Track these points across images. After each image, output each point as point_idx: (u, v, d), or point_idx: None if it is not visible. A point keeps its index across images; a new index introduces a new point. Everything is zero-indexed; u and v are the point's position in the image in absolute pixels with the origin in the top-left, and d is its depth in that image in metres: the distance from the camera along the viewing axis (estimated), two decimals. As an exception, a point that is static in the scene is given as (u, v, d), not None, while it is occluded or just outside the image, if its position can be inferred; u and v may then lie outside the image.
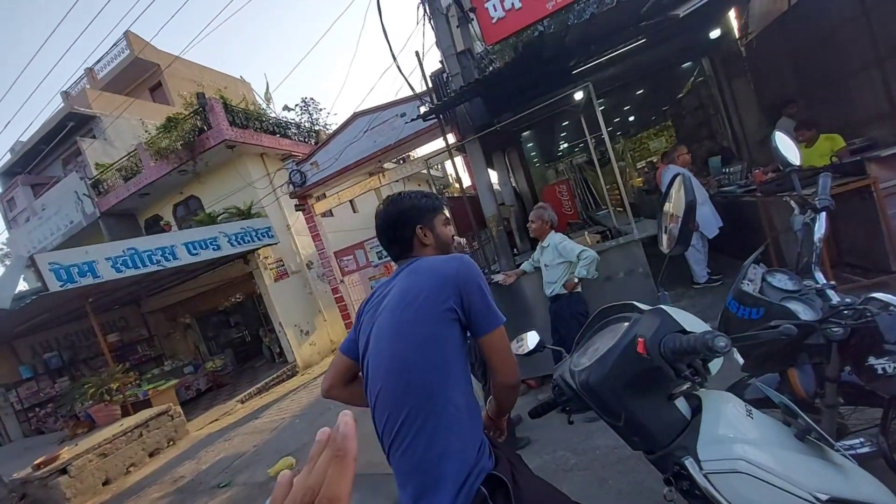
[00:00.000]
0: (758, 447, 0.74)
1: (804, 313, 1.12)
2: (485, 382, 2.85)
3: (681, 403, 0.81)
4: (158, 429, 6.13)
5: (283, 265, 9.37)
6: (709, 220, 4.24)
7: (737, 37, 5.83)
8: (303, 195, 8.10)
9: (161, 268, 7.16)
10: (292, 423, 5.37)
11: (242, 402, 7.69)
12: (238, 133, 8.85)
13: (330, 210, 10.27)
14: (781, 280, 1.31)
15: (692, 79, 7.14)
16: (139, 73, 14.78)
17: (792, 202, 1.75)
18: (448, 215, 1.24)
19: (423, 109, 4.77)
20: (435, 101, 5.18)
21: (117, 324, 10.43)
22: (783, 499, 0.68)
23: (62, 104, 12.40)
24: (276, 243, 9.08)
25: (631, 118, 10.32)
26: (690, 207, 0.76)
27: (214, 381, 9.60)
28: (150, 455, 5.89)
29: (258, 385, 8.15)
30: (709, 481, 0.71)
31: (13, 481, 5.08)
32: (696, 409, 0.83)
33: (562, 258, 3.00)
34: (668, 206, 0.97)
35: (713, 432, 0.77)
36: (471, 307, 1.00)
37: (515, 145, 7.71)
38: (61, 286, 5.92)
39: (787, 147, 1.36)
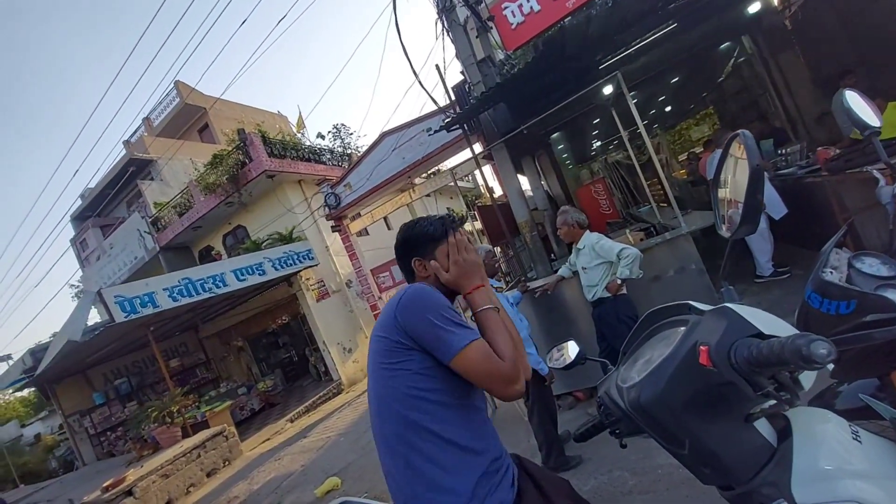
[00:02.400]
0: (873, 482, 0.56)
1: (906, 303, 0.91)
2: (527, 398, 2.68)
3: (762, 426, 0.65)
4: (215, 449, 6.38)
5: (323, 285, 9.64)
6: (774, 201, 3.77)
7: (779, 9, 5.37)
8: (338, 216, 8.32)
9: (213, 294, 7.58)
10: (337, 442, 5.39)
11: (292, 420, 7.86)
12: (276, 163, 9.31)
13: (365, 229, 10.49)
14: (873, 265, 1.08)
15: (733, 60, 6.65)
16: (188, 117, 16.10)
17: (875, 172, 1.50)
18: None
19: (447, 121, 4.74)
20: (458, 111, 5.16)
21: (178, 349, 11.15)
22: None
23: (124, 152, 13.71)
24: (316, 265, 9.37)
25: (668, 108, 9.77)
26: (757, 173, 0.60)
27: (266, 400, 9.94)
28: (208, 475, 6.12)
29: (306, 403, 8.32)
30: None
31: (85, 504, 5.45)
32: (784, 433, 0.66)
33: (600, 259, 2.79)
34: (723, 192, 0.81)
35: (811, 465, 0.60)
36: (419, 337, 0.93)
37: (545, 148, 7.52)
38: (125, 317, 6.40)
39: (861, 107, 1.13)
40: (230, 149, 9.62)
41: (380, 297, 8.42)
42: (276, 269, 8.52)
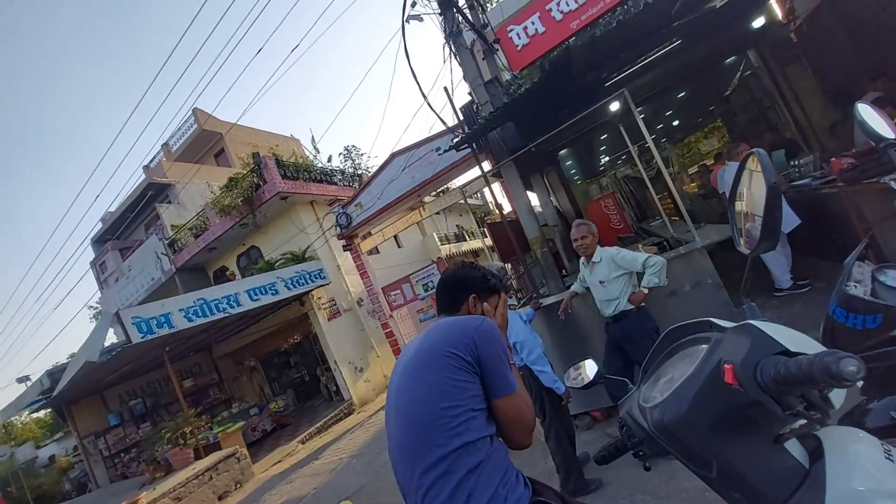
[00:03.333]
0: None
1: (934, 316, 0.89)
2: (543, 418, 2.62)
3: (793, 447, 0.63)
4: (227, 471, 6.33)
5: (335, 304, 9.68)
6: (785, 213, 3.72)
7: (784, 22, 5.42)
8: (349, 235, 8.43)
9: (227, 314, 7.67)
10: (349, 464, 5.30)
11: (303, 442, 7.78)
12: (290, 185, 9.54)
13: (376, 247, 10.58)
14: (898, 278, 1.07)
15: (739, 73, 6.68)
16: (205, 143, 16.67)
17: (893, 184, 1.48)
18: (507, 301, 1.30)
19: (455, 141, 4.83)
20: (467, 131, 5.25)
21: (192, 370, 11.22)
22: None
23: (143, 176, 14.19)
24: (327, 284, 9.45)
25: (675, 122, 9.80)
26: (775, 190, 0.60)
27: (278, 421, 9.87)
28: (220, 498, 6.05)
29: (317, 425, 8.24)
30: None
31: (99, 527, 5.42)
32: (816, 454, 0.64)
33: (620, 270, 2.75)
34: (740, 205, 0.81)
35: (845, 487, 0.57)
36: (484, 361, 1.00)
37: (553, 165, 7.56)
38: (142, 337, 6.49)
39: (874, 119, 1.14)
40: (245, 172, 9.90)
41: (390, 316, 8.40)
42: (288, 288, 8.61)
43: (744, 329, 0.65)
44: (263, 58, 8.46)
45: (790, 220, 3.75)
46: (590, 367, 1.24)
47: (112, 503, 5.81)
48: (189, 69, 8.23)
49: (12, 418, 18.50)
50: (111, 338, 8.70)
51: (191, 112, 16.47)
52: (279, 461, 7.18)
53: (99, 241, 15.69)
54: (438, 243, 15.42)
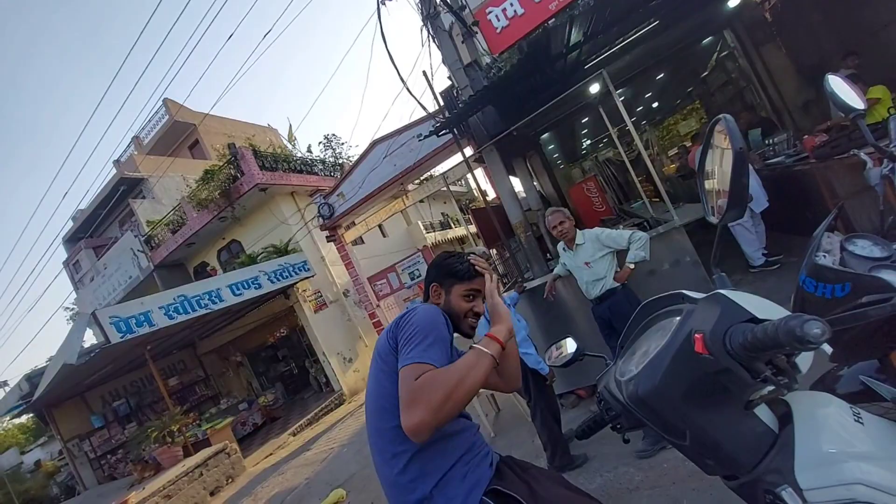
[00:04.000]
0: (877, 463, 0.55)
1: (900, 283, 0.90)
2: (528, 398, 2.66)
3: (763, 412, 0.64)
4: (217, 467, 6.28)
5: (321, 296, 9.58)
6: (757, 193, 3.82)
7: (758, 2, 5.46)
8: (332, 226, 8.30)
9: (209, 310, 7.51)
10: (341, 453, 5.33)
11: (294, 434, 7.77)
12: (268, 176, 9.29)
13: (360, 237, 10.46)
14: (865, 247, 1.09)
15: (716, 54, 6.75)
16: (178, 134, 16.07)
17: (862, 155, 1.51)
18: (477, 289, 1.20)
19: (436, 126, 4.76)
20: (447, 116, 5.18)
21: (176, 367, 11.02)
22: None
23: (114, 171, 13.63)
24: (312, 276, 9.32)
25: (655, 104, 9.88)
26: (741, 156, 0.60)
27: (267, 415, 9.82)
28: (211, 494, 6.02)
29: (308, 416, 8.23)
30: None
31: (87, 530, 5.34)
32: (786, 419, 0.65)
33: (605, 249, 2.78)
34: (711, 184, 0.81)
35: (814, 449, 0.59)
36: (398, 341, 1.04)
37: (536, 149, 7.56)
38: (122, 337, 6.31)
39: (844, 91, 1.15)
40: (221, 164, 9.60)
41: (377, 306, 8.37)
42: (272, 282, 8.47)
43: (713, 299, 0.65)
44: (235, 44, 8.12)
45: (761, 200, 3.85)
46: (569, 345, 1.25)
47: (100, 505, 5.70)
48: (157, 57, 7.86)
49: (-9, 425, 17.96)
50: (90, 338, 8.45)
51: (161, 102, 15.81)
52: (270, 454, 7.16)
53: (71, 240, 15.09)
54: (424, 231, 15.35)
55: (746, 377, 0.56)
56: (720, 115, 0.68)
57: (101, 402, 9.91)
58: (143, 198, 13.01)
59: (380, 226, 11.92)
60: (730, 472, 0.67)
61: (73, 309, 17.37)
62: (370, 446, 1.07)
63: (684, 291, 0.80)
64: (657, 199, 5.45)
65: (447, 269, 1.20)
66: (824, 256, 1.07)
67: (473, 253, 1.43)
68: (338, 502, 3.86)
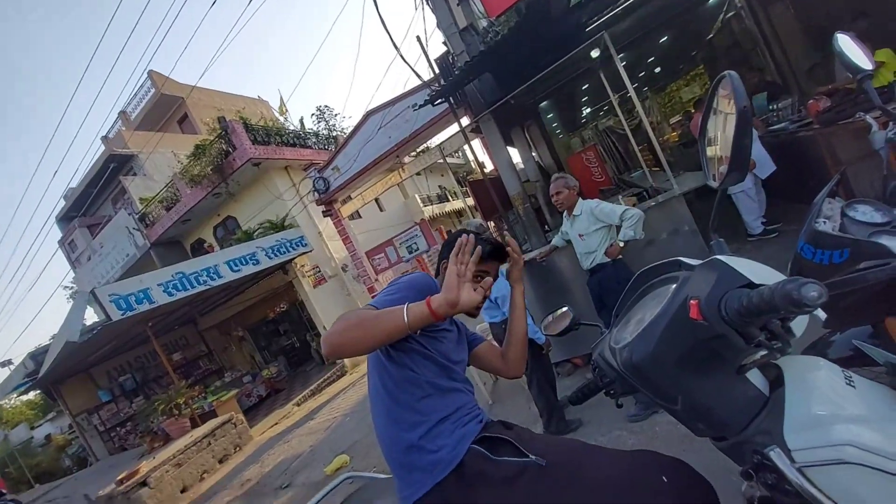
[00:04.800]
0: (867, 425, 0.56)
1: (900, 248, 0.89)
2: (525, 368, 2.70)
3: (754, 376, 0.64)
4: (224, 437, 6.50)
5: (319, 271, 9.61)
6: (763, 159, 3.74)
7: (770, -44, 5.18)
8: (328, 200, 8.21)
9: (208, 287, 7.54)
10: (344, 422, 5.50)
11: (298, 404, 8.00)
12: (261, 150, 9.10)
13: (357, 212, 10.39)
14: (866, 212, 1.07)
15: (722, 15, 6.46)
16: (166, 109, 15.59)
17: (868, 118, 1.47)
18: (486, 270, 1.20)
19: (431, 94, 4.60)
20: (443, 84, 5.01)
21: (179, 343, 11.19)
22: None
23: (103, 148, 13.31)
24: (310, 251, 9.31)
25: (657, 69, 9.56)
26: (744, 115, 0.57)
27: (271, 387, 10.08)
28: (220, 461, 6.26)
29: (311, 387, 8.44)
30: (805, 476, 0.54)
31: (99, 498, 5.56)
32: (777, 382, 0.65)
33: (599, 223, 2.75)
34: (710, 133, 0.78)
35: (804, 411, 0.59)
36: None
37: (534, 118, 7.38)
38: (122, 314, 6.37)
39: (852, 50, 1.09)
40: (212, 138, 9.37)
41: (376, 280, 8.42)
42: (269, 257, 8.46)
43: (710, 264, 0.64)
44: (219, 11, 7.73)
45: (767, 165, 3.77)
46: (566, 315, 1.25)
47: (113, 474, 5.92)
48: (141, 25, 7.50)
49: (0, 402, 18.39)
50: (91, 317, 8.51)
51: (146, 75, 15.24)
52: (276, 423, 7.40)
53: (65, 220, 14.93)
54: (421, 205, 15.24)
55: (740, 342, 0.55)
56: (725, 73, 0.64)
57: (107, 378, 10.13)
58: (135, 175, 12.77)
59: (376, 200, 11.82)
60: (720, 434, 0.68)
61: (72, 288, 17.42)
62: (370, 405, 1.10)
63: (681, 258, 0.78)
64: (657, 168, 5.37)
65: (445, 247, 1.23)
66: (824, 222, 1.05)
67: (467, 229, 1.40)
68: (341, 468, 4.02)
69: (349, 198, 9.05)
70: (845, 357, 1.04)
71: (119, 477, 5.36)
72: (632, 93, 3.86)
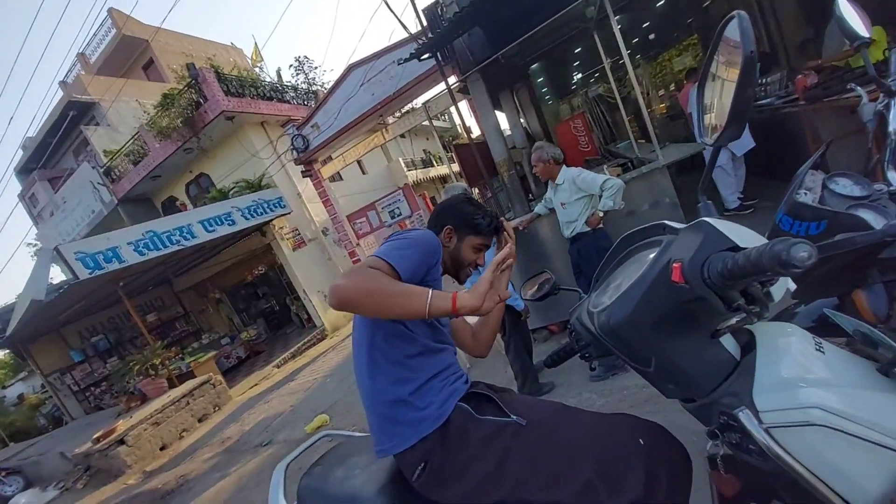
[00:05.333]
0: (834, 390, 0.57)
1: (876, 222, 0.90)
2: (503, 332, 2.76)
3: (727, 341, 0.64)
4: (203, 397, 6.53)
5: (298, 234, 9.40)
6: (744, 135, 3.77)
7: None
8: (308, 160, 7.89)
9: (181, 247, 7.30)
10: (324, 383, 5.59)
11: (278, 366, 8.06)
12: (235, 102, 8.57)
13: (338, 173, 10.07)
14: (846, 185, 1.07)
15: (721, -21, 6.25)
16: (129, 52, 14.36)
17: (859, 89, 1.45)
18: (487, 244, 1.22)
19: (417, 48, 4.35)
20: (430, 37, 4.73)
21: (154, 304, 10.95)
22: (871, 453, 0.52)
23: (61, 94, 12.27)
24: (289, 213, 9.06)
25: (651, 36, 9.32)
26: (751, 61, 0.53)
27: (250, 349, 10.08)
28: (199, 420, 6.32)
29: (291, 350, 8.49)
30: (771, 436, 0.55)
31: (76, 456, 5.57)
32: (748, 347, 0.66)
33: (581, 193, 2.74)
34: (710, 86, 0.73)
35: (774, 374, 0.60)
36: None
37: (524, 81, 7.15)
38: (90, 273, 6.12)
39: (852, 17, 1.05)
40: (181, 87, 8.74)
41: (357, 244, 8.31)
42: (246, 218, 8.20)
43: (696, 226, 0.62)
44: (183, -60, 6.96)
45: (745, 141, 3.79)
46: (545, 280, 1.25)
47: (89, 433, 5.91)
48: (89, -49, 6.70)
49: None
50: (59, 275, 8.18)
51: (106, 13, 13.87)
52: (255, 384, 7.46)
53: (24, 172, 13.98)
54: (405, 169, 14.90)
55: (719, 306, 0.55)
56: (734, 12, 0.59)
57: (78, 338, 9.89)
58: (97, 125, 11.93)
59: (358, 162, 11.45)
60: (689, 395, 0.69)
61: (35, 245, 16.61)
62: (353, 358, 1.09)
63: (666, 222, 0.76)
64: (643, 140, 5.34)
65: (468, 218, 1.18)
66: (805, 193, 1.05)
67: (454, 189, 1.37)
68: (322, 426, 4.11)
69: (330, 158, 8.72)
70: (808, 328, 1.07)
71: (96, 435, 5.36)
72: (626, 59, 3.75)
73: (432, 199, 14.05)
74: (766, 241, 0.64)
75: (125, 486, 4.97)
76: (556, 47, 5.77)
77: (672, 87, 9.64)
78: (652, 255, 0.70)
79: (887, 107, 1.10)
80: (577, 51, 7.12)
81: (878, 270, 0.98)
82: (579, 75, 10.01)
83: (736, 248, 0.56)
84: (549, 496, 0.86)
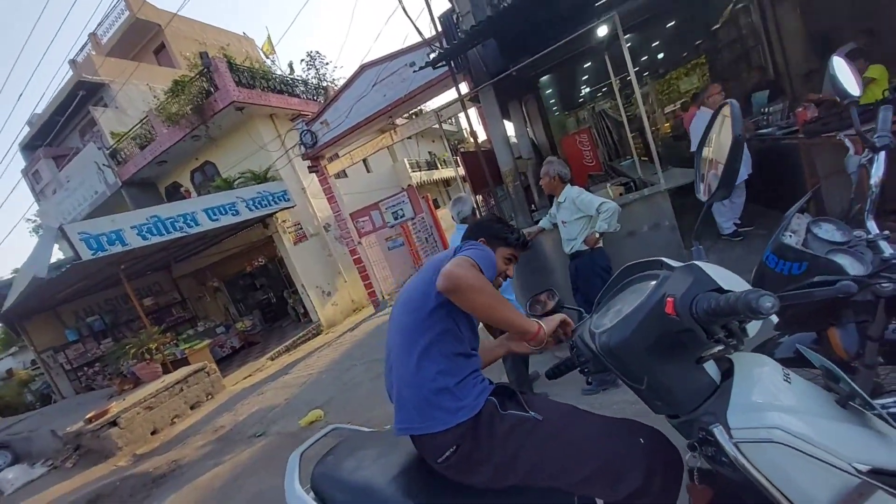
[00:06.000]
0: (796, 415, 0.68)
1: (852, 267, 1.00)
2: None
3: (710, 367, 0.75)
4: (197, 384, 6.58)
5: (301, 228, 9.47)
6: (743, 161, 3.88)
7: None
8: (315, 156, 7.98)
9: (184, 234, 7.35)
10: (319, 378, 5.65)
11: (272, 359, 8.11)
12: (245, 94, 8.64)
13: (343, 171, 10.15)
14: (829, 231, 1.17)
15: (731, 5, 6.40)
16: (141, 36, 14.41)
17: (846, 141, 1.55)
18: (517, 255, 1.42)
19: (433, 56, 4.46)
20: (445, 45, 4.84)
21: (152, 288, 10.97)
22: (822, 471, 0.63)
23: (71, 73, 12.29)
24: (292, 207, 9.12)
25: (660, 55, 9.48)
26: (738, 143, 0.64)
27: (245, 339, 10.12)
28: (192, 408, 6.37)
29: (286, 343, 8.55)
30: (739, 451, 0.66)
31: (67, 434, 5.61)
32: (727, 373, 0.76)
33: (580, 213, 2.85)
34: (707, 151, 0.85)
35: (746, 398, 0.71)
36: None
37: (533, 93, 7.27)
38: (93, 254, 6.17)
39: (845, 75, 1.16)
40: (192, 75, 8.80)
41: (359, 242, 8.39)
42: (249, 209, 8.25)
43: (689, 268, 0.72)
44: (206, -69, 7.05)
45: (741, 171, 3.91)
46: (551, 297, 1.34)
47: (81, 412, 5.96)
48: (112, -63, 6.76)
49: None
50: (59, 254, 8.20)
51: (120, -6, 13.90)
52: (249, 375, 7.52)
53: (29, 148, 13.95)
54: (409, 170, 14.98)
55: (703, 337, 0.65)
56: (727, 100, 0.70)
57: (74, 318, 9.90)
58: (105, 106, 11.95)
59: (364, 160, 11.54)
60: (674, 412, 0.79)
61: (35, 221, 16.55)
62: (392, 347, 1.20)
63: (663, 259, 0.87)
64: (646, 159, 5.46)
65: (498, 233, 1.39)
66: (790, 236, 1.16)
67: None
68: (315, 421, 4.18)
69: (336, 155, 8.82)
70: (789, 358, 1.18)
71: (88, 415, 5.40)
72: (633, 77, 3.86)
73: (434, 201, 14.13)
74: (747, 284, 0.75)
75: (115, 468, 5.02)
76: (565, 62, 5.90)
77: (678, 105, 9.78)
78: (650, 287, 0.80)
79: (871, 161, 1.22)
80: (586, 66, 7.26)
81: (852, 311, 1.09)
82: (587, 90, 10.15)
83: (721, 290, 0.66)
84: (555, 483, 1.00)
